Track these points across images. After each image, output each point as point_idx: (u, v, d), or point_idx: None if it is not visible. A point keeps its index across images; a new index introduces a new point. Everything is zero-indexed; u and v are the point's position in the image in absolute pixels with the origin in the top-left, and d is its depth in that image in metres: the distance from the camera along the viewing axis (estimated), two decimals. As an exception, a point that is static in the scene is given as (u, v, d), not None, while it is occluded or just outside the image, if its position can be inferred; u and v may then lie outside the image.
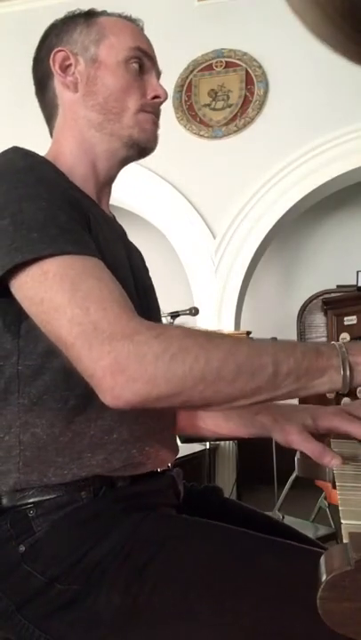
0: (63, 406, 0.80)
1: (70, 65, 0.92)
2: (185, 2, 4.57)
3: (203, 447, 3.30)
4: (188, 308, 2.88)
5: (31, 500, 0.78)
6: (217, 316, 4.25)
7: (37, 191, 0.75)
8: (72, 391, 0.80)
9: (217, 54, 4.51)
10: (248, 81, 4.43)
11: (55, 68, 0.92)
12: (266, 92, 4.41)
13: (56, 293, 0.70)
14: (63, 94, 0.93)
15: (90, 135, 0.91)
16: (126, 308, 0.71)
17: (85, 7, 0.97)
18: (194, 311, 2.88)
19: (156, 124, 0.94)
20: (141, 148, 0.93)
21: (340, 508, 0.56)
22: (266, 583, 0.69)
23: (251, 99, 4.41)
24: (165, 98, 0.94)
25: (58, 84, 0.93)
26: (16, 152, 0.81)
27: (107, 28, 0.92)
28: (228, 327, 4.21)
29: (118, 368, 0.66)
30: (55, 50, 0.92)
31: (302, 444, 0.85)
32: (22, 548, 0.76)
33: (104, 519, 0.78)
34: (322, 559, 0.44)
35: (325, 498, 2.84)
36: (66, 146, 0.92)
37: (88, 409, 0.81)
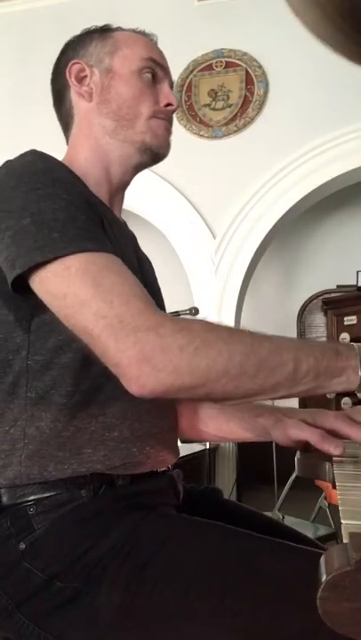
0: (68, 401, 0.81)
1: (85, 76, 0.95)
2: (185, 2, 4.57)
3: (203, 447, 3.30)
4: (188, 308, 2.87)
5: (31, 498, 0.79)
6: (217, 316, 4.25)
7: (56, 192, 0.78)
8: (77, 387, 0.81)
9: (217, 54, 4.51)
10: (248, 81, 4.43)
11: (71, 80, 0.95)
12: (266, 92, 4.41)
13: (80, 288, 0.72)
14: (79, 104, 0.96)
15: (104, 142, 0.94)
16: (147, 301, 0.74)
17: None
18: (194, 311, 2.87)
19: (168, 131, 0.97)
20: (154, 154, 0.96)
21: (340, 508, 0.56)
22: (266, 583, 0.69)
23: (251, 99, 4.41)
24: (177, 106, 0.98)
25: (74, 94, 0.96)
26: (34, 154, 0.84)
27: (121, 40, 0.96)
28: (228, 327, 4.20)
29: (144, 358, 0.68)
30: (71, 62, 0.96)
31: (301, 432, 0.86)
32: (22, 546, 0.77)
33: (104, 518, 0.78)
34: (322, 559, 0.44)
35: (325, 498, 2.84)
36: (81, 152, 0.95)
37: (91, 405, 0.82)
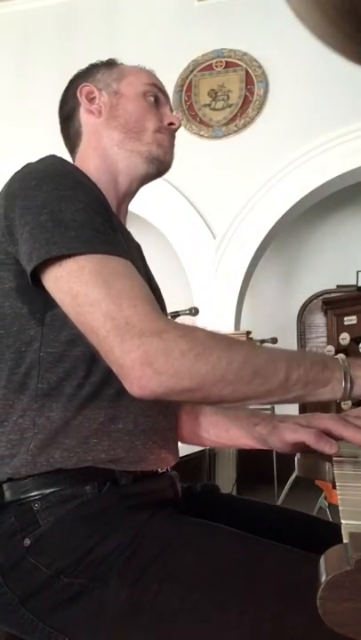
0: (78, 393, 0.84)
1: (95, 97, 1.02)
2: (185, 2, 4.57)
3: (202, 447, 3.30)
4: (188, 308, 2.87)
5: (35, 493, 0.80)
6: (217, 316, 4.25)
7: (76, 194, 0.82)
8: (88, 379, 0.84)
9: (217, 54, 4.51)
10: (248, 81, 4.43)
11: (82, 98, 1.02)
12: (266, 92, 4.41)
13: (92, 289, 0.75)
14: (88, 121, 1.02)
15: (113, 152, 1.00)
16: (154, 306, 0.77)
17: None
18: (194, 311, 2.87)
19: (172, 144, 1.04)
20: (160, 162, 1.01)
21: (340, 508, 0.56)
22: (269, 584, 0.70)
23: (251, 99, 4.42)
24: (180, 125, 1.05)
25: (83, 113, 1.03)
26: (54, 159, 0.88)
27: (126, 70, 1.05)
28: (228, 327, 4.21)
29: (147, 361, 0.72)
30: (82, 85, 1.03)
31: (296, 434, 0.89)
32: (27, 542, 0.78)
33: (110, 515, 0.79)
34: (322, 559, 0.44)
35: (325, 498, 2.84)
36: (90, 162, 1.00)
37: (100, 397, 0.84)
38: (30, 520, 0.79)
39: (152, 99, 1.02)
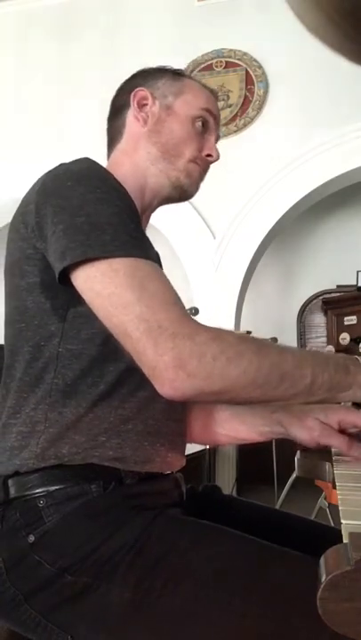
0: (92, 390, 0.85)
1: (146, 104, 1.04)
2: (185, 2, 4.56)
3: (203, 447, 3.30)
4: (188, 308, 2.87)
5: (41, 490, 0.80)
6: (217, 316, 4.25)
7: (111, 197, 0.83)
8: (103, 378, 0.85)
9: (217, 54, 4.51)
10: (248, 81, 4.43)
11: (133, 102, 1.04)
12: (266, 92, 4.41)
13: (125, 290, 0.76)
14: (132, 125, 1.04)
15: (145, 166, 1.02)
16: (184, 310, 0.79)
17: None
18: (194, 311, 2.87)
19: (201, 177, 1.07)
20: (183, 191, 1.04)
21: (340, 508, 0.56)
22: (271, 586, 0.71)
23: (251, 99, 4.41)
24: (217, 159, 1.08)
25: (130, 115, 1.04)
26: (89, 161, 0.90)
27: (188, 86, 1.05)
28: (228, 327, 4.21)
29: (180, 363, 0.73)
30: (139, 87, 1.04)
31: (329, 439, 0.91)
32: (32, 538, 0.78)
33: (115, 514, 0.79)
34: (322, 559, 0.44)
35: (325, 498, 2.84)
36: (120, 168, 1.01)
37: (113, 396, 0.86)
38: (35, 516, 0.79)
39: (200, 124, 1.03)
